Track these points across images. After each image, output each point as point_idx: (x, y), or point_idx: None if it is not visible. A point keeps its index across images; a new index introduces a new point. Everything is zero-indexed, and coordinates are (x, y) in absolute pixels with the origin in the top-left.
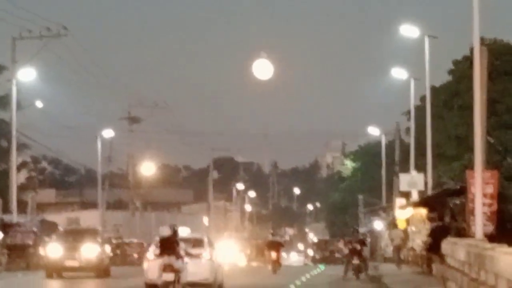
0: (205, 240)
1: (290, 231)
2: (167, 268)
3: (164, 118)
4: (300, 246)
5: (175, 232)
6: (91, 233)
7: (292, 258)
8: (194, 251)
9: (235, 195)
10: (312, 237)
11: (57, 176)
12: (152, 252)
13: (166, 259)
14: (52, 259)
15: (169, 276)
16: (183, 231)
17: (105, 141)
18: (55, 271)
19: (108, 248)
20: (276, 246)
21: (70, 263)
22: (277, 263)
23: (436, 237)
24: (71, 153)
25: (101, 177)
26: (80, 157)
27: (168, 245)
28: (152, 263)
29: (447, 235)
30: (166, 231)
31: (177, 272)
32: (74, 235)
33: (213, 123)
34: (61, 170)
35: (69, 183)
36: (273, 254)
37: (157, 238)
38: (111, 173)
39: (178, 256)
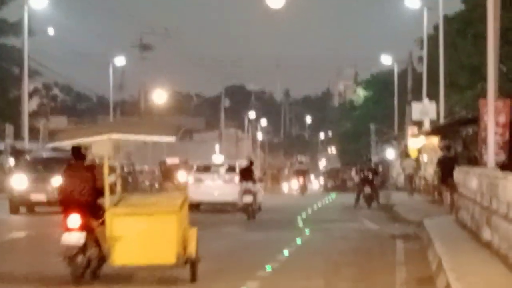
0: (237, 166)
1: (302, 158)
2: (246, 191)
3: (176, 45)
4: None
5: (251, 163)
6: (64, 162)
7: (314, 185)
8: (227, 176)
9: (246, 123)
10: (324, 166)
11: (68, 103)
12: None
13: (245, 185)
14: (17, 191)
15: (249, 198)
16: (218, 158)
17: (117, 68)
18: (21, 205)
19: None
20: (303, 173)
21: (36, 197)
22: (304, 187)
23: (444, 167)
24: (83, 80)
25: (113, 104)
26: (92, 85)
27: (246, 173)
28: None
29: (454, 165)
30: (244, 163)
31: (255, 195)
32: (46, 163)
33: (225, 51)
34: (73, 97)
35: (81, 110)
36: (301, 180)
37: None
38: (123, 100)
39: (255, 182)
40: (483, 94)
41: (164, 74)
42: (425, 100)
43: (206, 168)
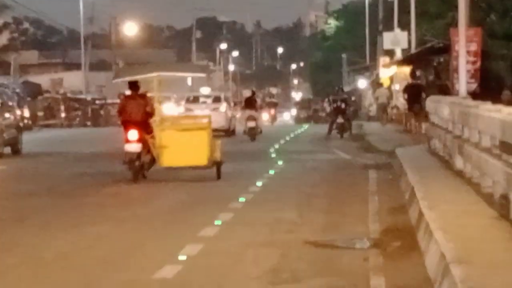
0: (222, 97)
1: (274, 90)
2: (250, 118)
3: None
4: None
5: (254, 93)
6: None
7: (285, 117)
8: (214, 105)
9: (218, 55)
10: (296, 96)
11: (39, 37)
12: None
13: (249, 112)
14: None
15: (252, 123)
16: (205, 90)
17: (87, 1)
18: None
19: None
20: (273, 105)
21: None
22: (273, 118)
23: (410, 94)
24: (53, 14)
25: (84, 37)
26: (62, 18)
27: (250, 102)
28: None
29: (421, 91)
30: (248, 93)
31: (256, 120)
32: None
33: None
34: (44, 31)
35: (52, 44)
36: (272, 111)
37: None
38: (94, 33)
39: (257, 110)
40: (454, 22)
41: (134, 6)
42: (396, 30)
43: (195, 99)
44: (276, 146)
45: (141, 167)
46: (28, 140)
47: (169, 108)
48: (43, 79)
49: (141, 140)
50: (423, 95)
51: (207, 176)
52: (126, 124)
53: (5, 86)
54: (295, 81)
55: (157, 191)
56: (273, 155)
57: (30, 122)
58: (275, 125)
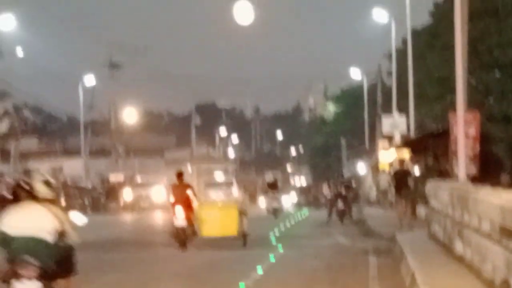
0: (234, 182)
1: (277, 175)
2: (274, 199)
3: (146, 63)
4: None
5: (276, 180)
6: None
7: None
8: (227, 189)
9: (218, 140)
10: (296, 181)
11: (39, 124)
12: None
13: (272, 194)
14: None
15: (276, 204)
16: (219, 176)
17: (87, 88)
18: None
19: None
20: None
21: None
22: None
23: (398, 179)
24: (53, 100)
25: (84, 124)
26: (62, 105)
27: (273, 185)
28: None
29: (407, 177)
30: (269, 177)
31: (279, 201)
32: None
33: (195, 68)
34: (43, 118)
35: (52, 131)
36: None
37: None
38: (93, 120)
39: (278, 192)
40: (453, 106)
41: (134, 92)
42: (395, 114)
43: (213, 185)
44: (276, 230)
45: (186, 238)
46: None
47: (128, 194)
48: (43, 166)
49: (186, 216)
50: (410, 180)
51: (235, 244)
52: (175, 205)
53: (5, 174)
54: (294, 166)
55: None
56: (274, 240)
57: None
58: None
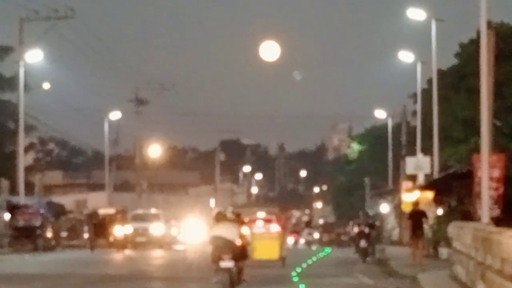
0: (274, 217)
1: (297, 213)
2: (310, 233)
3: (171, 100)
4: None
5: (311, 219)
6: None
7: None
8: (267, 225)
9: (241, 177)
10: (319, 220)
11: (64, 157)
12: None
13: (308, 230)
14: None
15: (311, 238)
16: (260, 214)
17: (112, 123)
18: None
19: None
20: (296, 231)
21: None
22: (297, 241)
23: (413, 220)
24: (78, 134)
25: (108, 159)
26: (87, 139)
27: (309, 224)
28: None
29: (422, 218)
30: (307, 218)
31: (313, 236)
32: None
33: (219, 105)
34: (68, 152)
35: (76, 164)
36: (295, 234)
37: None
38: (118, 155)
39: (313, 228)
40: (477, 148)
41: (159, 128)
42: (419, 155)
43: (255, 220)
44: (299, 269)
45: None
46: (51, 260)
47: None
48: (67, 200)
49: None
50: (425, 221)
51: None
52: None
53: (29, 207)
54: (318, 205)
55: None
56: (295, 279)
57: (53, 242)
58: (298, 248)
